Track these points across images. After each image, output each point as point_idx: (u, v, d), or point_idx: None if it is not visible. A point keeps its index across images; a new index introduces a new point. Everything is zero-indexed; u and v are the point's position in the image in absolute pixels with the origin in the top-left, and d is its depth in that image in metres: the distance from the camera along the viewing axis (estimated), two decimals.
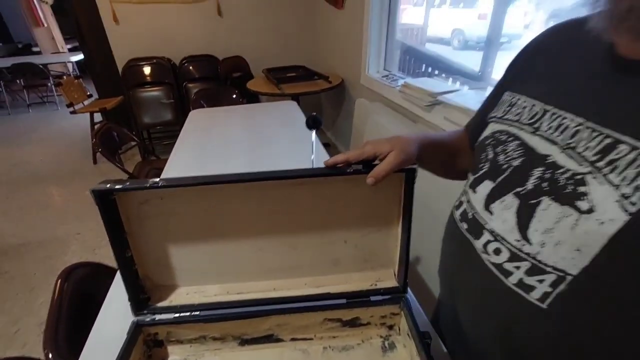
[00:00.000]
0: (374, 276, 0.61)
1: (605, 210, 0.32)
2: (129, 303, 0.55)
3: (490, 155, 0.47)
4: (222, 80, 2.92)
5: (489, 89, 0.58)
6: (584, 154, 0.35)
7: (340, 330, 0.60)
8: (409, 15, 2.17)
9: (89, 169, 3.00)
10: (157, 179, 0.48)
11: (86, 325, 0.67)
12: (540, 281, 0.38)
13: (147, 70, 2.72)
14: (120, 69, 2.81)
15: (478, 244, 0.45)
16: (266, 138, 1.53)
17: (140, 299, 0.57)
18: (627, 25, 0.32)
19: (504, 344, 0.44)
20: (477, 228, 0.46)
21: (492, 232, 0.43)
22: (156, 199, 0.52)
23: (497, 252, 0.42)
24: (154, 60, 2.75)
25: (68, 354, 0.63)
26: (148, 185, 0.47)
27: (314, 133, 0.92)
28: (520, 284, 0.40)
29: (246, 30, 3.10)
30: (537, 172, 0.39)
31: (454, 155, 0.62)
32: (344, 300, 0.58)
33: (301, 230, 0.57)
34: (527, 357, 0.42)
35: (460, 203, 0.52)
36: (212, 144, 1.49)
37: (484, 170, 0.47)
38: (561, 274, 0.36)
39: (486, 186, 0.46)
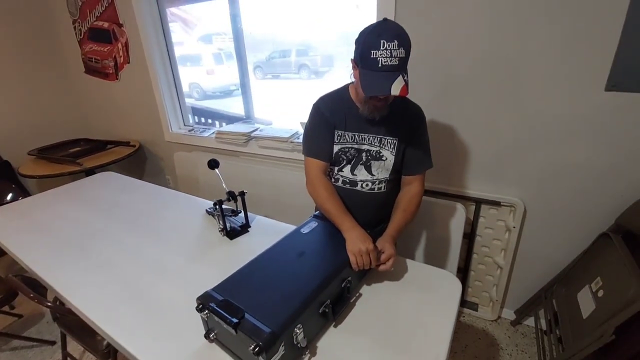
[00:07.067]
0: None
1: (387, 157, 1.06)
2: None
3: (344, 156, 1.10)
4: None
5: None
6: (374, 144, 1.06)
7: None
8: None
9: None
10: None
11: None
12: (381, 184, 1.09)
13: None
14: None
15: (358, 187, 1.11)
16: (124, 206, 1.59)
17: None
18: (368, 113, 1.02)
19: (372, 213, 1.13)
20: (353, 183, 1.11)
21: (361, 180, 1.10)
22: None
23: (366, 185, 1.10)
24: None
25: None
26: None
27: (217, 171, 1.33)
28: (377, 189, 1.10)
29: None
30: (363, 155, 1.08)
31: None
32: None
33: None
34: (382, 211, 1.13)
35: (337, 179, 1.14)
36: (63, 230, 1.39)
37: (344, 163, 1.11)
38: (384, 179, 1.09)
39: (347, 167, 1.11)
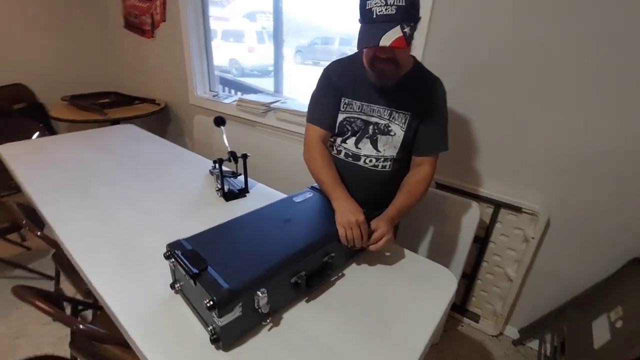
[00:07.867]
0: None
1: (396, 133, 0.97)
2: None
3: (349, 127, 1.02)
4: (4, 113, 2.37)
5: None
6: (384, 116, 0.97)
7: None
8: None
9: None
10: None
11: None
12: (386, 162, 1.00)
13: None
14: None
15: (360, 162, 1.03)
16: (134, 157, 1.60)
17: None
18: (375, 79, 0.92)
19: (373, 193, 1.04)
20: (356, 157, 1.03)
21: (364, 155, 1.02)
22: None
23: (370, 161, 1.02)
24: None
25: None
26: None
27: (222, 128, 1.28)
28: (382, 167, 1.01)
29: (27, 55, 2.63)
30: (370, 127, 0.99)
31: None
32: None
33: None
34: (385, 192, 1.03)
35: (339, 151, 1.06)
36: (72, 169, 1.42)
37: (348, 134, 1.03)
38: (391, 157, 0.99)
39: (352, 139, 1.03)
